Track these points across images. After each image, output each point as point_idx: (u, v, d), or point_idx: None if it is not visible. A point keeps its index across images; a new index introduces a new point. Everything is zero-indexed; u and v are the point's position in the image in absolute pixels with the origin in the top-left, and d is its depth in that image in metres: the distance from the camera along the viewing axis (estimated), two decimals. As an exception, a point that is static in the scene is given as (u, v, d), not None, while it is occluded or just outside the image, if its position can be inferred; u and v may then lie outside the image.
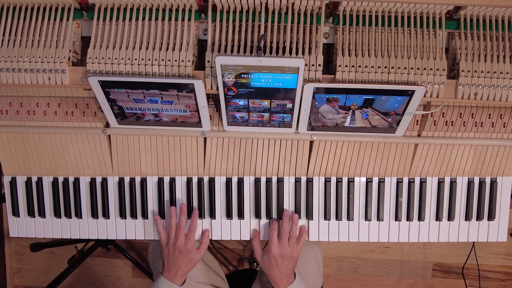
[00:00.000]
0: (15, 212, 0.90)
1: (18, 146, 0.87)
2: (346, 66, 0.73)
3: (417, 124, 0.84)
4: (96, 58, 0.73)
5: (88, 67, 0.74)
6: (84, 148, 0.86)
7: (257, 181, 0.87)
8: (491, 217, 0.88)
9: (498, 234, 0.89)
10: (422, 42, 0.74)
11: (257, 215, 0.88)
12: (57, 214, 0.90)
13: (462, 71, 0.73)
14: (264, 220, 0.88)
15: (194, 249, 0.83)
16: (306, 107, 0.73)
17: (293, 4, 0.73)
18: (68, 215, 0.90)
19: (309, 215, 0.88)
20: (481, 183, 0.87)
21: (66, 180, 0.89)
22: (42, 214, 0.90)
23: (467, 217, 0.88)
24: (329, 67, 0.80)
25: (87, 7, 0.77)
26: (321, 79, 0.73)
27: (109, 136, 0.85)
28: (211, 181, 0.88)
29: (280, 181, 0.87)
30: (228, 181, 0.88)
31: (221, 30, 0.74)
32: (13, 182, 0.89)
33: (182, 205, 0.86)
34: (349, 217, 0.88)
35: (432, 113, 0.81)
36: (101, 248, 1.51)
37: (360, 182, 0.87)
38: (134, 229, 0.90)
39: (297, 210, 0.87)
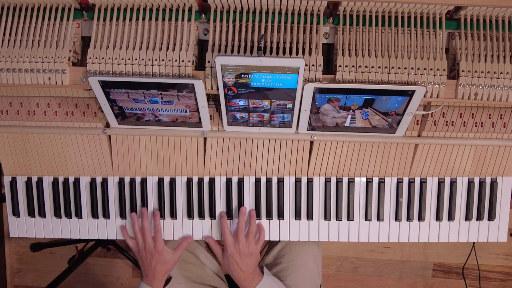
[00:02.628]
0: (15, 212, 0.90)
1: (18, 146, 0.86)
2: (346, 66, 0.73)
3: (417, 124, 0.84)
4: (96, 58, 0.73)
5: (88, 67, 0.74)
6: (84, 148, 0.86)
7: (257, 181, 0.87)
8: (491, 217, 0.88)
9: (498, 234, 0.89)
10: (422, 42, 0.74)
11: (258, 215, 0.88)
12: (57, 214, 0.90)
13: (462, 71, 0.73)
14: (264, 221, 0.88)
15: (167, 250, 0.83)
16: (306, 107, 0.73)
17: (293, 4, 0.73)
18: (68, 215, 0.90)
19: (310, 215, 0.88)
20: (481, 183, 0.87)
21: (66, 180, 0.89)
22: (42, 214, 0.90)
23: (467, 217, 0.88)
24: (329, 67, 0.80)
25: (87, 7, 0.77)
26: (321, 79, 0.73)
27: (109, 136, 0.85)
28: (211, 181, 0.88)
29: (280, 181, 0.87)
30: (228, 181, 0.88)
31: (221, 30, 0.74)
32: (13, 182, 0.89)
33: (143, 209, 0.87)
34: (349, 217, 0.88)
35: (432, 113, 0.81)
36: (101, 248, 1.51)
37: (360, 182, 0.87)
38: (134, 229, 0.90)
39: (297, 210, 0.87)
